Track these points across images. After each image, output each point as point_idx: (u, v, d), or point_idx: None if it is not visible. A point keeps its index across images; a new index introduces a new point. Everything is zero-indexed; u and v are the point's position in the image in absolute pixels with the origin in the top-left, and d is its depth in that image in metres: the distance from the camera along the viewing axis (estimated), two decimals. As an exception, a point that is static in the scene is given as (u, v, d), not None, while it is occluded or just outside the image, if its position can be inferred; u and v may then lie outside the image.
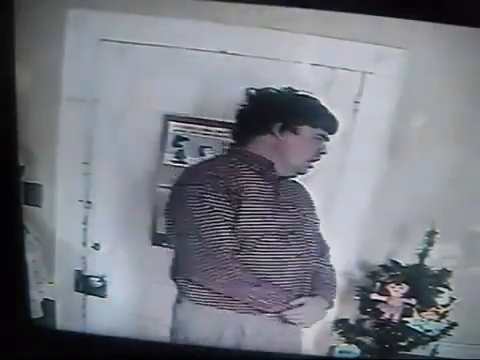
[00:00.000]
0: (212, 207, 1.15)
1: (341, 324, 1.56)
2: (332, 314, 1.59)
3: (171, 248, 1.30)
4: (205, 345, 1.22)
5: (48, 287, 1.59)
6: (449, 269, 1.46)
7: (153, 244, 1.59)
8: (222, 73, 1.41)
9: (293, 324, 1.22)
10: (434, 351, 1.53)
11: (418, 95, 1.41)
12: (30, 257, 1.46)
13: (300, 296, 1.22)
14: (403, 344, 1.50)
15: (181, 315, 1.25)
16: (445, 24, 1.19)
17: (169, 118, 1.51)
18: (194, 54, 1.40)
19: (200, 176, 1.17)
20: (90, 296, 1.64)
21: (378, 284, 1.49)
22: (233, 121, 1.31)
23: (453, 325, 1.49)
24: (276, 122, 1.23)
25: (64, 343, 1.39)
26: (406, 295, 1.47)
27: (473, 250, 1.49)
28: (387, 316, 1.49)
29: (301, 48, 1.38)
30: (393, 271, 1.48)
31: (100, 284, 1.63)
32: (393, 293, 1.47)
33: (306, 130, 1.25)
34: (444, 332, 1.50)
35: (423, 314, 1.48)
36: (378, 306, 1.49)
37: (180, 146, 1.52)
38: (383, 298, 1.48)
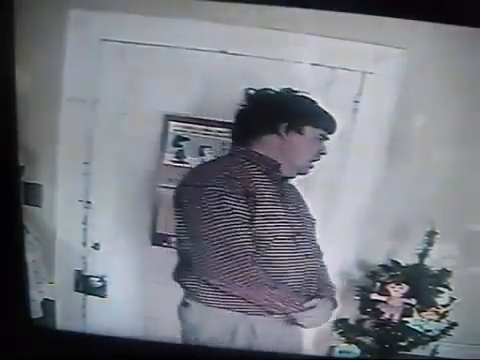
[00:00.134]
0: (232, 209, 1.13)
1: (341, 324, 1.56)
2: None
3: (177, 249, 1.28)
4: (205, 345, 1.22)
5: (48, 287, 1.58)
6: (449, 269, 1.46)
7: (153, 244, 1.59)
8: (222, 73, 1.42)
9: (302, 326, 1.22)
10: (434, 351, 1.53)
11: (418, 95, 1.42)
12: (30, 257, 1.46)
13: (310, 297, 1.22)
14: (403, 344, 1.50)
15: (191, 318, 1.23)
16: (445, 24, 1.19)
17: (169, 118, 1.52)
18: (194, 54, 1.40)
19: (217, 177, 1.15)
20: (90, 296, 1.64)
21: (378, 284, 1.49)
22: (235, 121, 1.30)
23: (453, 325, 1.49)
24: (282, 122, 1.23)
25: (64, 343, 1.39)
26: (406, 295, 1.47)
27: (473, 250, 1.49)
28: (387, 316, 1.49)
29: (301, 48, 1.38)
30: (393, 271, 1.48)
31: (100, 284, 1.63)
32: (393, 293, 1.47)
33: (309, 130, 1.26)
34: (444, 332, 1.50)
35: (423, 314, 1.48)
36: (378, 306, 1.49)
37: (180, 146, 1.52)
38: (383, 298, 1.48)
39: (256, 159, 1.22)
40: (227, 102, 1.33)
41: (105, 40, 1.44)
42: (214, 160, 1.34)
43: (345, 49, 1.39)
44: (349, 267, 1.55)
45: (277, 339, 1.24)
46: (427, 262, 1.47)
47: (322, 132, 1.28)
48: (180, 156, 1.53)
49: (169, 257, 1.30)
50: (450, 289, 1.47)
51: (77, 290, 1.64)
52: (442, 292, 1.47)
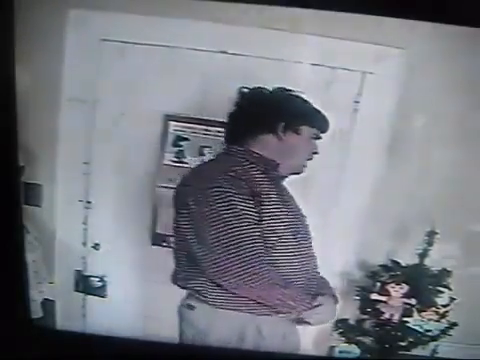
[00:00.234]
0: (241, 210, 1.13)
1: (341, 324, 1.56)
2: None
3: (178, 251, 1.26)
4: (205, 345, 1.22)
5: (48, 287, 1.58)
6: (449, 269, 1.46)
7: (153, 244, 1.59)
8: (222, 73, 1.42)
9: (308, 324, 1.22)
10: (434, 351, 1.53)
11: (418, 95, 1.42)
12: (30, 257, 1.46)
13: (315, 295, 1.22)
14: (403, 344, 1.50)
15: (197, 321, 1.22)
16: (445, 24, 1.19)
17: (169, 118, 1.52)
18: (194, 54, 1.40)
19: (223, 178, 1.14)
20: (90, 296, 1.64)
21: (378, 284, 1.49)
22: (229, 120, 1.29)
23: (453, 325, 1.49)
24: (279, 122, 1.23)
25: (64, 343, 1.39)
26: (406, 295, 1.47)
27: (473, 250, 1.49)
28: (387, 316, 1.49)
29: (301, 48, 1.38)
30: (393, 271, 1.48)
31: (100, 284, 1.63)
32: (393, 293, 1.47)
33: (305, 130, 1.26)
34: (444, 332, 1.50)
35: (423, 314, 1.48)
36: (378, 306, 1.49)
37: (180, 146, 1.52)
38: (383, 298, 1.48)
39: (255, 159, 1.21)
40: (227, 102, 1.33)
41: (105, 40, 1.44)
42: (212, 160, 1.32)
43: (345, 49, 1.39)
44: (349, 267, 1.55)
45: (282, 338, 1.25)
46: (427, 262, 1.47)
47: (316, 131, 1.28)
48: (180, 156, 1.53)
49: (169, 257, 1.29)
50: (450, 289, 1.47)
51: (77, 290, 1.64)
52: (442, 292, 1.47)
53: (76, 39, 1.41)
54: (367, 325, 1.54)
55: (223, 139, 1.30)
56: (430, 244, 1.45)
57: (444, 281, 1.47)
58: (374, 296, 1.49)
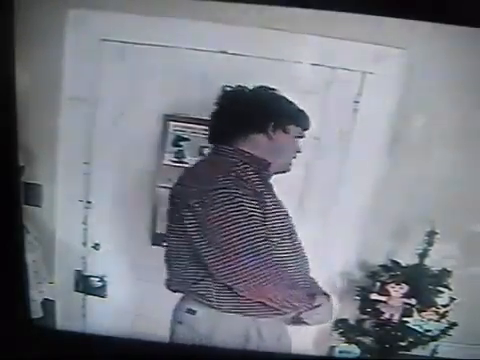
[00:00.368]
0: (249, 211, 1.12)
1: (341, 324, 1.56)
2: (332, 314, 1.59)
3: (177, 255, 1.23)
4: (206, 345, 1.22)
5: (48, 287, 1.59)
6: (449, 269, 1.47)
7: (153, 244, 1.59)
8: (222, 73, 1.41)
9: (307, 324, 1.22)
10: (434, 351, 1.53)
11: (418, 95, 1.42)
12: (30, 257, 1.46)
13: (314, 295, 1.22)
14: (403, 344, 1.51)
15: (199, 325, 1.20)
16: (445, 24, 1.19)
17: (169, 118, 1.52)
18: (194, 54, 1.40)
19: (227, 179, 1.12)
20: (90, 296, 1.64)
21: (378, 284, 1.49)
22: (215, 119, 1.26)
23: (453, 325, 1.49)
24: (270, 121, 1.23)
25: (64, 343, 1.39)
26: (406, 295, 1.47)
27: (473, 250, 1.49)
28: (387, 316, 1.49)
29: (301, 48, 1.38)
30: (393, 271, 1.48)
31: (100, 284, 1.63)
32: (393, 293, 1.47)
33: (293, 129, 1.26)
34: (444, 332, 1.50)
35: (423, 314, 1.49)
36: (378, 306, 1.49)
37: (180, 146, 1.52)
38: (383, 298, 1.48)
39: (248, 159, 1.20)
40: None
41: (105, 40, 1.43)
42: (203, 160, 1.30)
43: (345, 49, 1.39)
44: (349, 267, 1.55)
45: (277, 340, 1.25)
46: (427, 262, 1.47)
47: (300, 130, 1.29)
48: (180, 156, 1.53)
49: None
50: (450, 289, 1.47)
51: (77, 290, 1.64)
52: (442, 292, 1.48)
53: (76, 39, 1.41)
54: (367, 325, 1.54)
55: (208, 138, 1.28)
56: (430, 244, 1.45)
57: (444, 281, 1.47)
58: (374, 296, 1.49)
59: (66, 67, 1.42)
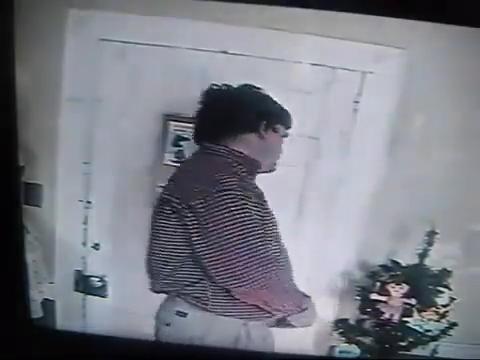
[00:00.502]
0: (254, 214, 1.11)
1: (341, 324, 1.56)
2: (332, 314, 1.59)
3: (170, 258, 1.19)
4: (206, 345, 1.22)
5: (48, 287, 1.59)
6: (449, 269, 1.47)
7: (153, 244, 1.59)
8: (223, 73, 1.41)
9: (293, 326, 1.22)
10: (434, 351, 1.53)
11: (418, 95, 1.42)
12: (30, 257, 1.46)
13: (301, 298, 1.22)
14: (403, 344, 1.51)
15: (190, 328, 1.19)
16: (445, 24, 1.19)
17: (169, 118, 1.52)
18: (194, 54, 1.40)
19: (230, 180, 1.11)
20: (90, 296, 1.64)
21: (378, 284, 1.49)
22: (203, 118, 1.24)
23: (453, 325, 1.49)
24: (262, 120, 1.22)
25: (64, 343, 1.39)
26: (406, 295, 1.47)
27: (473, 250, 1.49)
28: (387, 316, 1.49)
29: (301, 48, 1.38)
30: (393, 271, 1.48)
31: (100, 284, 1.63)
32: (393, 293, 1.47)
33: (281, 128, 1.26)
34: (444, 332, 1.50)
35: (423, 314, 1.48)
36: (378, 306, 1.49)
37: (180, 146, 1.52)
38: (383, 298, 1.48)
39: (242, 159, 1.18)
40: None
41: (105, 40, 1.43)
42: (199, 160, 1.24)
43: (345, 49, 1.39)
44: (350, 267, 1.55)
45: (263, 340, 1.25)
46: (427, 262, 1.47)
47: (285, 130, 1.28)
48: (180, 156, 1.53)
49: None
50: (450, 289, 1.47)
51: (77, 290, 1.64)
52: (442, 292, 1.48)
53: (76, 39, 1.41)
54: (367, 325, 1.54)
55: (195, 137, 1.26)
56: (430, 244, 1.45)
57: (444, 281, 1.47)
58: (374, 296, 1.49)
59: (66, 67, 1.42)
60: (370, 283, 1.51)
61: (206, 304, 1.16)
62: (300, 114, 1.47)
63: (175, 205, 1.14)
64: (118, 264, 1.62)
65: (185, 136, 1.52)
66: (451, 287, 1.47)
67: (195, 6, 1.31)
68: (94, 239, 1.61)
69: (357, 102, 1.47)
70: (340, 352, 1.57)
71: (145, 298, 1.61)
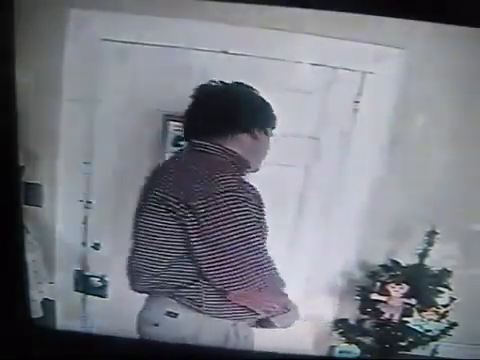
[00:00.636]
0: (254, 216, 1.10)
1: (341, 324, 1.56)
2: (332, 314, 1.59)
3: (159, 258, 1.16)
4: (206, 345, 1.22)
5: (48, 287, 1.58)
6: (449, 269, 1.47)
7: (153, 244, 1.59)
8: (223, 73, 1.41)
9: (275, 327, 1.21)
10: (434, 351, 1.53)
11: (418, 95, 1.42)
12: (30, 257, 1.46)
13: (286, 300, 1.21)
14: (403, 344, 1.51)
15: (183, 328, 1.17)
16: (445, 24, 1.19)
17: (169, 118, 1.52)
18: (195, 54, 1.41)
19: (232, 181, 1.09)
20: (90, 296, 1.64)
21: (378, 284, 1.50)
22: (199, 115, 1.21)
23: (453, 325, 1.49)
24: (257, 121, 1.22)
25: (64, 343, 1.39)
26: (406, 295, 1.47)
27: (473, 250, 1.49)
28: (387, 316, 1.49)
29: (301, 48, 1.38)
30: (393, 271, 1.48)
31: (100, 284, 1.63)
32: (393, 293, 1.47)
33: (269, 130, 1.26)
34: (444, 332, 1.50)
35: (423, 314, 1.49)
36: (378, 306, 1.49)
37: (180, 146, 1.52)
38: (383, 298, 1.48)
39: (235, 159, 1.17)
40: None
41: (105, 40, 1.43)
42: (192, 158, 1.18)
43: (345, 49, 1.39)
44: (350, 267, 1.55)
45: (244, 339, 1.24)
46: (427, 262, 1.47)
47: (271, 130, 1.28)
48: (180, 156, 1.52)
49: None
50: (450, 289, 1.47)
51: (77, 290, 1.64)
52: (442, 292, 1.48)
53: (76, 39, 1.41)
54: (367, 325, 1.54)
55: (188, 134, 1.23)
56: (430, 244, 1.46)
57: (444, 281, 1.47)
58: (374, 296, 1.49)
59: (66, 67, 1.42)
60: (370, 283, 1.51)
61: (200, 306, 1.15)
62: (300, 114, 1.48)
63: (172, 204, 1.10)
64: (118, 264, 1.61)
65: (185, 136, 1.52)
66: (451, 287, 1.47)
67: (195, 6, 1.32)
68: (94, 239, 1.61)
69: (357, 102, 1.48)
70: (340, 352, 1.57)
71: (145, 298, 1.61)
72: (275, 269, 1.15)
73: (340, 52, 1.40)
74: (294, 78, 1.41)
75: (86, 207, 1.59)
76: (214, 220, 1.07)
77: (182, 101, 1.48)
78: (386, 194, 1.49)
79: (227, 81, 1.22)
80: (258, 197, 1.14)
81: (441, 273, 1.47)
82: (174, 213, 1.11)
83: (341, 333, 1.56)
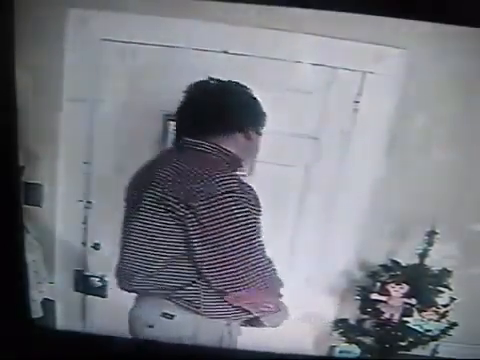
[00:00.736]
0: (254, 217, 1.10)
1: (341, 324, 1.56)
2: (332, 314, 1.59)
3: (157, 257, 1.14)
4: (206, 345, 1.22)
5: (48, 287, 1.58)
6: (449, 269, 1.47)
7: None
8: (223, 73, 1.41)
9: (264, 326, 1.22)
10: (434, 351, 1.53)
11: (418, 95, 1.42)
12: (30, 257, 1.46)
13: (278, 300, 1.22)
14: (403, 344, 1.51)
15: (179, 330, 1.17)
16: (445, 24, 1.19)
17: (169, 118, 1.51)
18: (195, 54, 1.40)
19: (232, 182, 1.08)
20: (90, 296, 1.64)
21: (378, 284, 1.49)
22: (195, 112, 1.20)
23: (453, 325, 1.49)
24: (251, 121, 1.22)
25: (64, 343, 1.39)
26: (406, 295, 1.47)
27: (473, 250, 1.49)
28: (387, 316, 1.49)
29: (301, 48, 1.38)
30: (393, 271, 1.48)
31: (100, 284, 1.63)
32: (393, 293, 1.47)
33: (261, 129, 1.26)
34: (444, 332, 1.50)
35: (423, 314, 1.49)
36: (378, 306, 1.49)
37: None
38: (383, 298, 1.48)
39: (229, 158, 1.17)
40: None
41: (105, 40, 1.43)
42: (186, 157, 1.16)
43: (345, 49, 1.39)
44: (350, 267, 1.55)
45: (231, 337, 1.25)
46: (427, 262, 1.47)
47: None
48: (180, 156, 1.52)
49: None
50: (450, 289, 1.47)
51: (77, 290, 1.64)
52: (442, 292, 1.48)
53: (76, 39, 1.41)
54: (367, 325, 1.54)
55: (182, 132, 1.22)
56: (430, 244, 1.46)
57: (444, 281, 1.47)
58: (374, 296, 1.49)
59: (66, 67, 1.42)
60: (370, 283, 1.51)
61: (198, 307, 1.14)
62: (300, 114, 1.48)
63: (172, 204, 1.09)
64: (118, 264, 1.61)
65: (185, 136, 1.52)
66: (451, 287, 1.47)
67: (195, 6, 1.31)
68: (94, 239, 1.60)
69: (357, 102, 1.47)
70: (340, 352, 1.57)
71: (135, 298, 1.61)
72: (275, 270, 1.15)
73: (340, 52, 1.40)
74: (294, 78, 1.41)
75: (86, 207, 1.59)
76: (216, 221, 1.06)
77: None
78: (386, 194, 1.49)
79: (222, 79, 1.21)
80: (256, 198, 1.13)
81: (441, 273, 1.47)
82: (173, 213, 1.09)
83: (341, 333, 1.56)
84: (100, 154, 1.54)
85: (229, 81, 1.21)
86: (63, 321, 1.59)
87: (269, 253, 1.14)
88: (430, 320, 1.49)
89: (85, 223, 1.60)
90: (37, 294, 1.53)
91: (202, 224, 1.07)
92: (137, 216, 1.16)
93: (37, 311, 1.53)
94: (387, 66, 1.41)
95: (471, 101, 1.40)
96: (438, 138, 1.45)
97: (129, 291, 1.24)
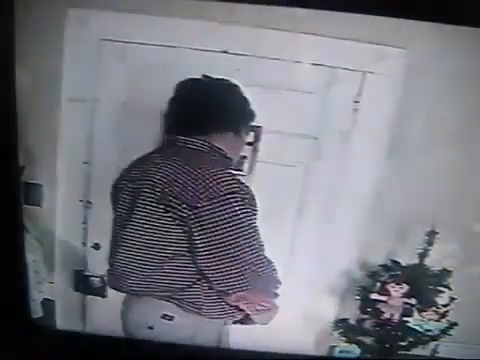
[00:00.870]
0: (252, 217, 1.09)
1: (341, 324, 1.56)
2: (332, 314, 1.59)
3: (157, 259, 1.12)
4: (206, 345, 1.22)
5: (48, 287, 1.58)
6: (449, 269, 1.47)
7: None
8: (223, 73, 1.41)
9: (254, 323, 1.22)
10: (434, 351, 1.53)
11: (418, 95, 1.42)
12: (30, 257, 1.46)
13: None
14: (403, 344, 1.51)
15: (179, 330, 1.17)
16: (445, 24, 1.19)
17: (169, 118, 1.51)
18: (195, 54, 1.41)
19: (233, 182, 1.08)
20: (90, 296, 1.64)
21: (378, 284, 1.49)
22: (188, 109, 1.18)
23: (453, 325, 1.49)
24: (243, 119, 1.22)
25: (64, 343, 1.39)
26: (406, 295, 1.47)
27: (473, 250, 1.49)
28: (387, 316, 1.49)
29: (301, 48, 1.38)
30: (393, 271, 1.48)
31: (100, 284, 1.63)
32: (393, 293, 1.47)
33: (249, 127, 1.27)
34: (444, 332, 1.50)
35: (423, 314, 1.49)
36: (378, 306, 1.49)
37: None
38: (383, 298, 1.48)
39: (220, 156, 1.16)
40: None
41: (105, 40, 1.44)
42: (182, 155, 1.13)
43: (345, 49, 1.39)
44: (350, 267, 1.55)
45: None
46: (427, 262, 1.47)
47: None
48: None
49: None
50: (450, 289, 1.47)
51: (77, 290, 1.64)
52: (442, 292, 1.48)
53: (76, 39, 1.41)
54: (367, 325, 1.54)
55: (175, 129, 1.20)
56: (430, 244, 1.46)
57: (444, 281, 1.47)
58: (374, 296, 1.49)
59: (66, 67, 1.42)
60: (370, 283, 1.51)
61: (200, 308, 1.14)
62: (300, 114, 1.48)
63: (173, 205, 1.07)
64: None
65: (185, 136, 1.52)
66: (451, 287, 1.47)
67: (195, 6, 1.31)
68: (94, 239, 1.60)
69: (357, 102, 1.47)
70: (340, 352, 1.57)
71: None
72: (275, 270, 1.15)
73: (340, 52, 1.40)
74: (294, 78, 1.41)
75: (86, 207, 1.59)
76: (220, 222, 1.06)
77: (182, 101, 1.48)
78: (386, 194, 1.49)
79: (212, 76, 1.20)
80: (254, 198, 1.13)
81: (441, 273, 1.47)
82: (175, 214, 1.08)
83: (341, 333, 1.56)
84: (100, 154, 1.54)
85: (220, 79, 1.20)
86: (63, 321, 1.59)
87: (269, 253, 1.13)
88: (430, 320, 1.49)
89: (85, 223, 1.60)
90: (37, 294, 1.53)
91: (206, 225, 1.06)
92: (132, 216, 1.13)
93: (37, 311, 1.53)
94: (387, 66, 1.41)
95: (471, 101, 1.39)
96: (438, 138, 1.45)
97: (122, 292, 1.23)
